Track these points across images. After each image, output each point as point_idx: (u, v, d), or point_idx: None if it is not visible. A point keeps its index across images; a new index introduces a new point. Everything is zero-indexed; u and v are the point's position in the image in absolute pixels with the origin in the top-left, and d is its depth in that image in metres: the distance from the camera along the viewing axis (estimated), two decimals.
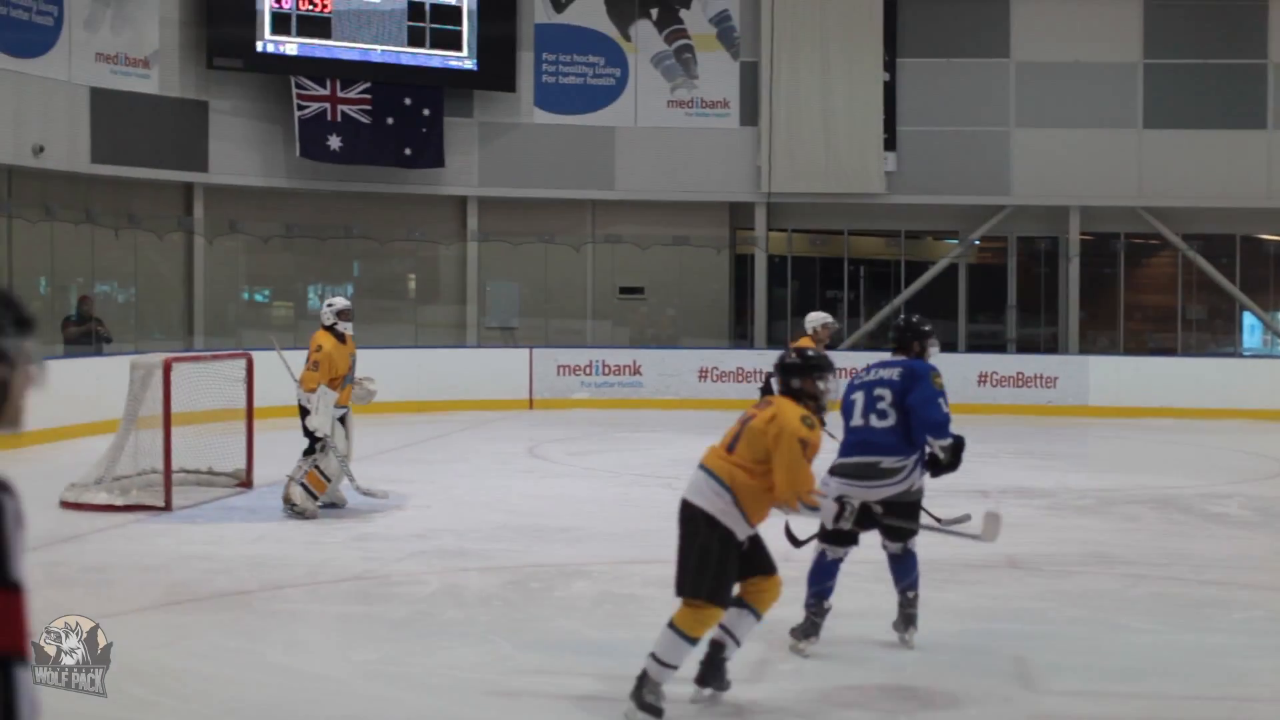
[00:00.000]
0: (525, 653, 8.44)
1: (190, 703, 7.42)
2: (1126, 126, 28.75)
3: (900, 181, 28.98)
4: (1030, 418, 25.00)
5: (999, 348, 29.25)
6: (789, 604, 9.37)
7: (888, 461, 8.54)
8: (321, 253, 28.58)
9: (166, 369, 14.06)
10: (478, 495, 15.11)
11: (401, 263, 29.87)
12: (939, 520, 8.83)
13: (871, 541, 8.74)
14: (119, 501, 13.61)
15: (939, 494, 10.18)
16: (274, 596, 10.00)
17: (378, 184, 27.99)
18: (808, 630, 8.62)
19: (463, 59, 28.18)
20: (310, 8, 26.93)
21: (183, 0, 26.30)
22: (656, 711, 7.08)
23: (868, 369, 8.99)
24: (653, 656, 7.12)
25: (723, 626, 7.40)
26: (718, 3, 29.27)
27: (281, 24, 26.82)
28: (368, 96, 27.32)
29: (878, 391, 8.71)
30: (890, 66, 28.99)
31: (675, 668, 7.12)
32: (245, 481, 15.29)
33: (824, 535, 8.48)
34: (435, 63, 27.99)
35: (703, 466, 7.35)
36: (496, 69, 28.43)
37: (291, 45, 26.90)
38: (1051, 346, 29.47)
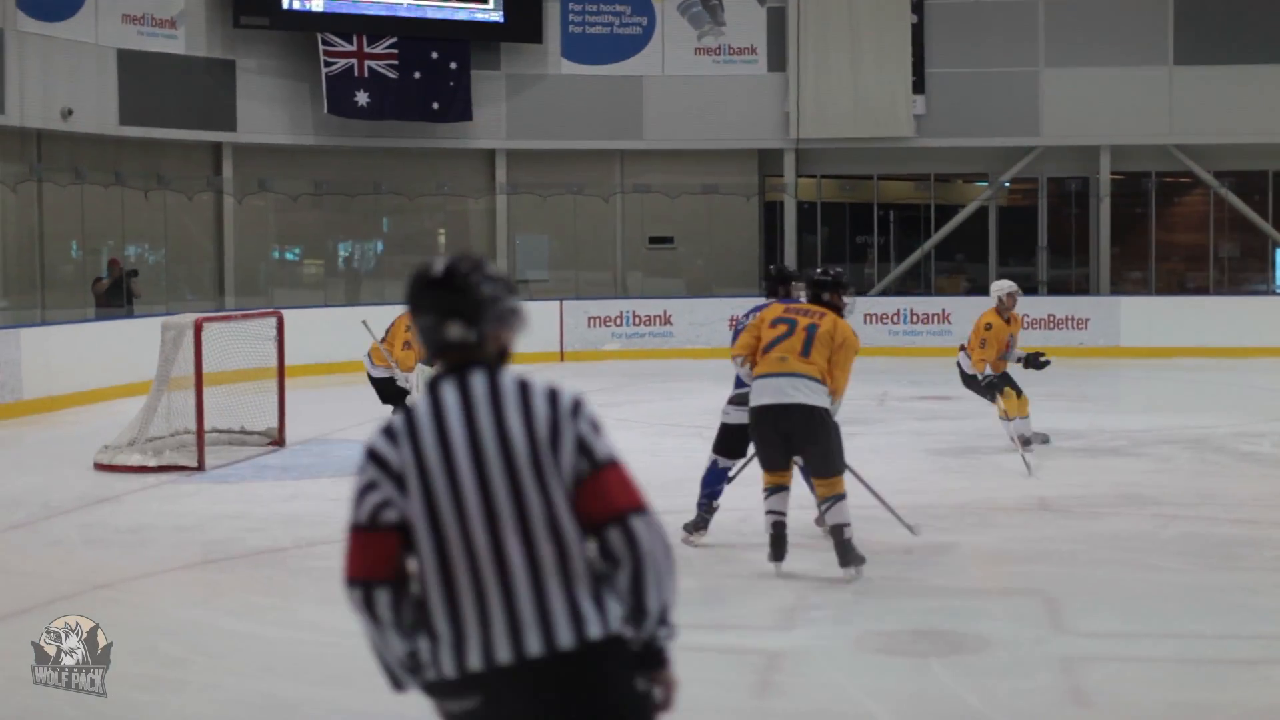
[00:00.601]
0: None
1: (224, 660, 7.47)
2: (1157, 64, 28.47)
3: (929, 124, 28.81)
4: (1062, 359, 24.78)
5: (1030, 290, 28.96)
6: (806, 553, 9.41)
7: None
8: (351, 209, 28.59)
9: (197, 329, 14.09)
10: None
11: (431, 217, 29.86)
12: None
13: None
14: (152, 463, 13.67)
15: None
16: (307, 553, 10.05)
17: (406, 139, 27.96)
18: (698, 525, 10.07)
19: (489, 11, 28.08)
20: None
21: None
22: (862, 558, 8.84)
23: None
24: (838, 526, 8.83)
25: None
26: None
27: None
28: (394, 51, 27.26)
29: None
30: (918, 8, 28.76)
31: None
32: (277, 440, 15.32)
33: (717, 447, 10.16)
34: (462, 15, 27.91)
35: (793, 373, 8.89)
36: (523, 20, 28.33)
37: (317, 1, 26.83)
38: (1083, 288, 29.32)
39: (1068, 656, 7.32)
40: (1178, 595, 8.61)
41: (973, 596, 8.56)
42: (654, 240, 29.76)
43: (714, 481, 10.12)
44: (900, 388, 20.65)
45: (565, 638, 3.48)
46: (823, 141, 28.87)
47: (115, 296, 23.83)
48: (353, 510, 3.59)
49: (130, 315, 23.08)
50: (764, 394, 9.00)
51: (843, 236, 30.53)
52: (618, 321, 26.64)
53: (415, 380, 13.78)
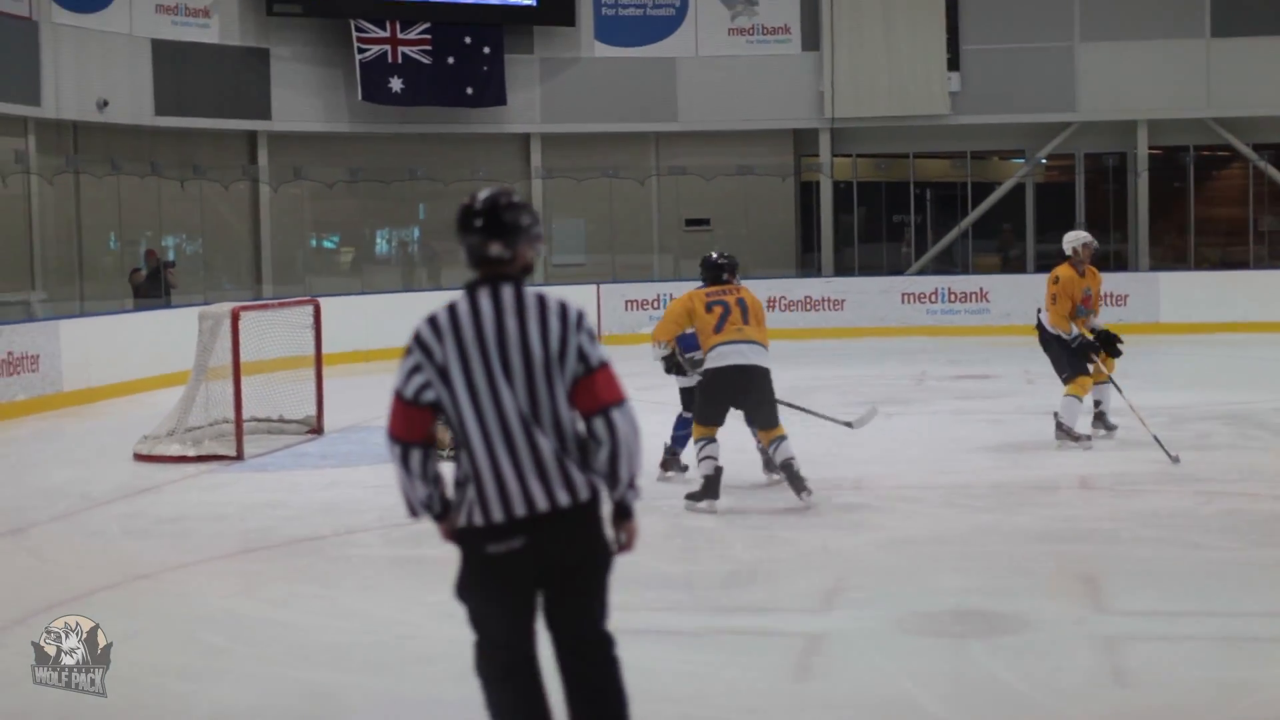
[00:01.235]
0: None
1: (265, 648, 7.48)
2: (1194, 36, 28.27)
3: (965, 101, 28.70)
4: None
5: None
6: (845, 535, 9.37)
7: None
8: (386, 196, 28.64)
9: (235, 318, 14.11)
10: None
11: None
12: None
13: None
14: (191, 452, 13.70)
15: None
16: (346, 541, 10.06)
17: (440, 125, 27.99)
18: (669, 464, 11.82)
19: None
20: None
21: None
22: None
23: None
24: (788, 461, 10.26)
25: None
26: None
27: None
28: (428, 37, 27.29)
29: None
30: None
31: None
32: (316, 428, 15.34)
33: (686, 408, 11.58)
34: (494, 0, 27.92)
35: (750, 341, 10.45)
36: (556, 4, 28.32)
37: None
38: (1121, 264, 29.14)
39: (1109, 636, 7.27)
40: (1219, 573, 8.55)
41: (1012, 576, 8.51)
42: (690, 223, 29.71)
43: (681, 427, 11.71)
44: (939, 367, 20.60)
45: (567, 498, 4.69)
46: (858, 120, 28.80)
47: (153, 287, 23.92)
48: (399, 380, 4.74)
49: (168, 305, 23.15)
50: (730, 356, 10.45)
51: (879, 215, 30.44)
52: (655, 305, 26.58)
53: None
